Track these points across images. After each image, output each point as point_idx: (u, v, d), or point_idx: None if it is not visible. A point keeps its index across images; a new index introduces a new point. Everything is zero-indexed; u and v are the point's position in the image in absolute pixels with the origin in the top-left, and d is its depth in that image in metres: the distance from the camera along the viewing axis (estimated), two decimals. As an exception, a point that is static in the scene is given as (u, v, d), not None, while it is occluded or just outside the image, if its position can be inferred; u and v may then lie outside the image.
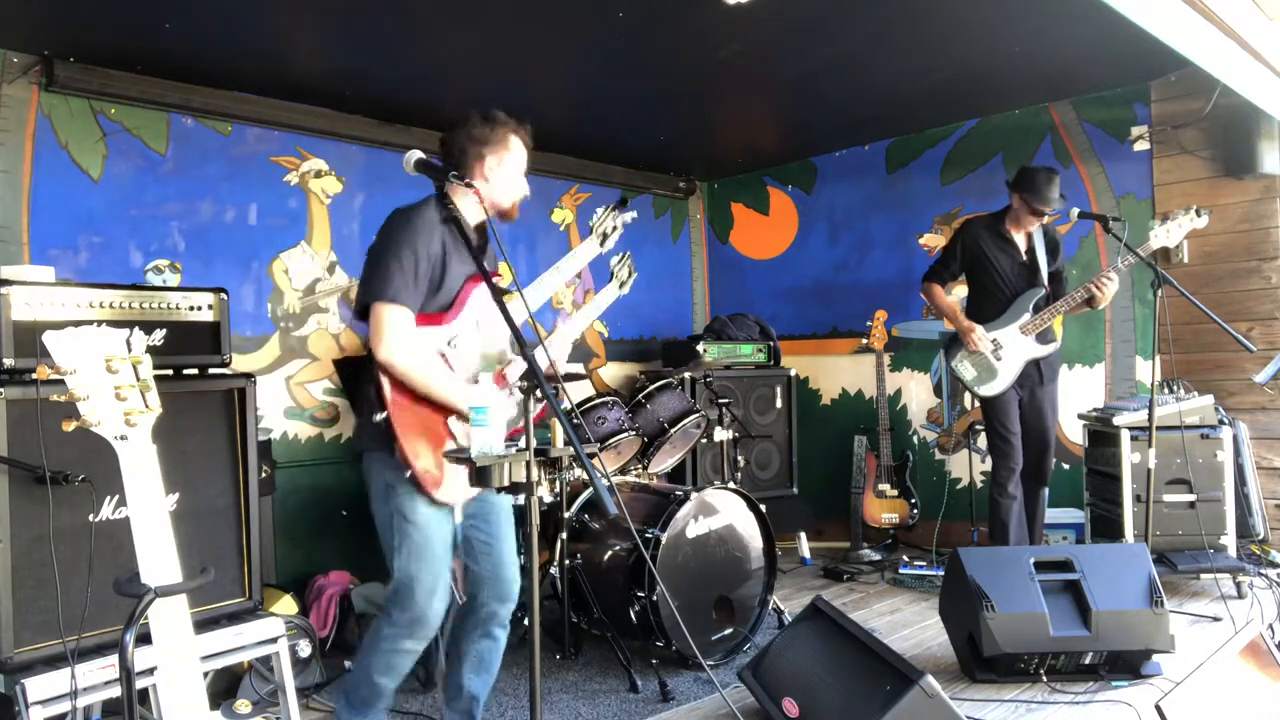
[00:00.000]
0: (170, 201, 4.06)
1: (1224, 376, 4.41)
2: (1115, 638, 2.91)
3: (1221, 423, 4.00)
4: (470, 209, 2.43)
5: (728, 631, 3.50)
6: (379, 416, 2.24)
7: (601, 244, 2.65)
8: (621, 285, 2.84)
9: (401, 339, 2.23)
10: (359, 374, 2.49)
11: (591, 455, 3.55)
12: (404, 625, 2.32)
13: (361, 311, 2.32)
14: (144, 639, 1.54)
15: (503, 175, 2.44)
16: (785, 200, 6.27)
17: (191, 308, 2.90)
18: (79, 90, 3.75)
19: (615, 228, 2.68)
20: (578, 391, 4.25)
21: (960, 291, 4.49)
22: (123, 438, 1.61)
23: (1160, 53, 3.38)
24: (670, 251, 6.48)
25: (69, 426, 1.58)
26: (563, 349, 2.62)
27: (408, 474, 2.25)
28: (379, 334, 2.23)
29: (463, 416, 2.32)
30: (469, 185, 2.28)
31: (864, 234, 5.86)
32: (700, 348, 5.43)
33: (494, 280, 2.47)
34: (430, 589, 2.30)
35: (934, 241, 5.49)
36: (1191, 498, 3.91)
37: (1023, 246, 4.19)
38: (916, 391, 5.59)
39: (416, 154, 2.29)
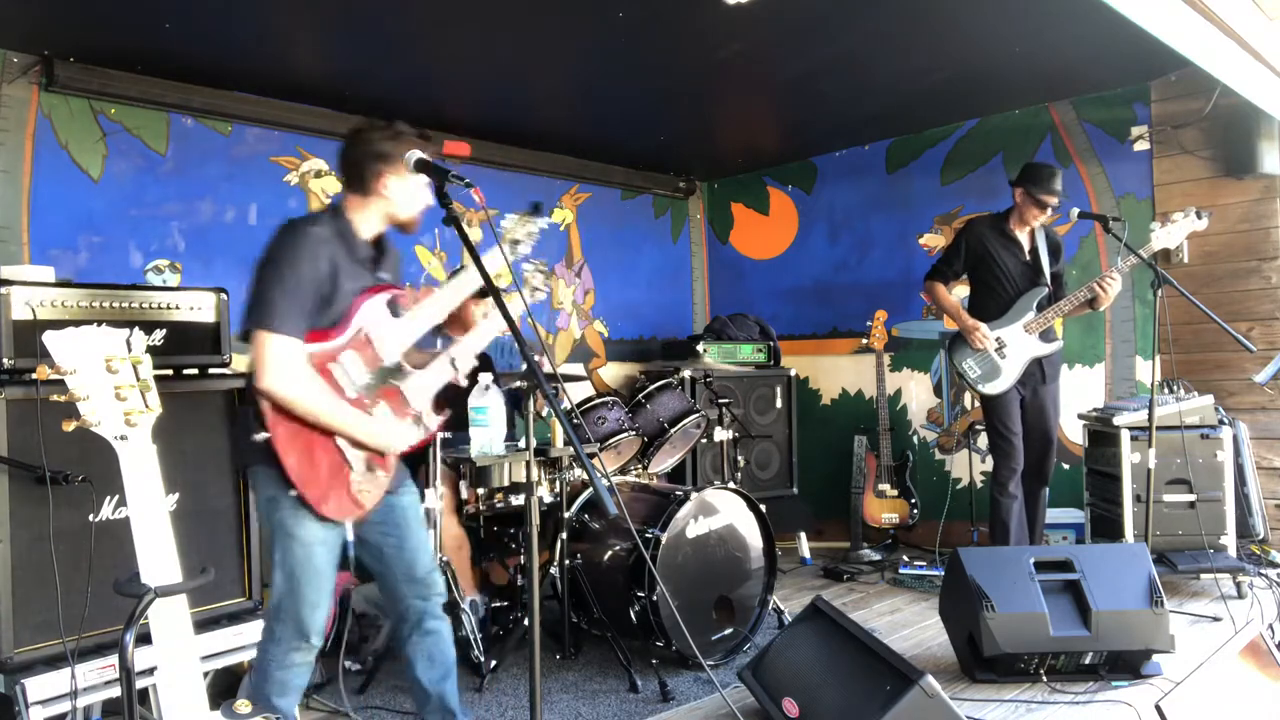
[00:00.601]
0: (170, 201, 4.06)
1: (1224, 376, 4.41)
2: (1115, 638, 2.91)
3: (1221, 423, 4.00)
4: (367, 220, 2.36)
5: (728, 631, 3.50)
6: (259, 437, 2.16)
7: (512, 251, 2.50)
8: (533, 293, 2.66)
9: (284, 370, 2.13)
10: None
11: (591, 455, 3.55)
12: (288, 639, 2.26)
13: (244, 335, 2.21)
14: (144, 639, 1.54)
15: (403, 190, 2.34)
16: (785, 200, 6.27)
17: (191, 308, 2.90)
18: (79, 90, 3.75)
19: (531, 233, 2.53)
20: (577, 392, 4.24)
21: (961, 291, 4.49)
22: (123, 438, 1.61)
23: (1160, 53, 3.38)
24: (670, 251, 6.48)
25: (69, 426, 1.58)
26: (444, 371, 2.48)
27: (292, 493, 2.18)
28: (260, 364, 2.13)
29: (355, 443, 2.27)
30: (373, 196, 2.28)
31: (864, 234, 5.86)
32: (700, 348, 5.43)
33: (395, 295, 2.39)
34: (312, 603, 2.25)
35: (934, 241, 5.49)
36: (1191, 498, 3.91)
37: (1026, 246, 4.19)
38: (916, 391, 5.59)
39: (417, 154, 2.28)
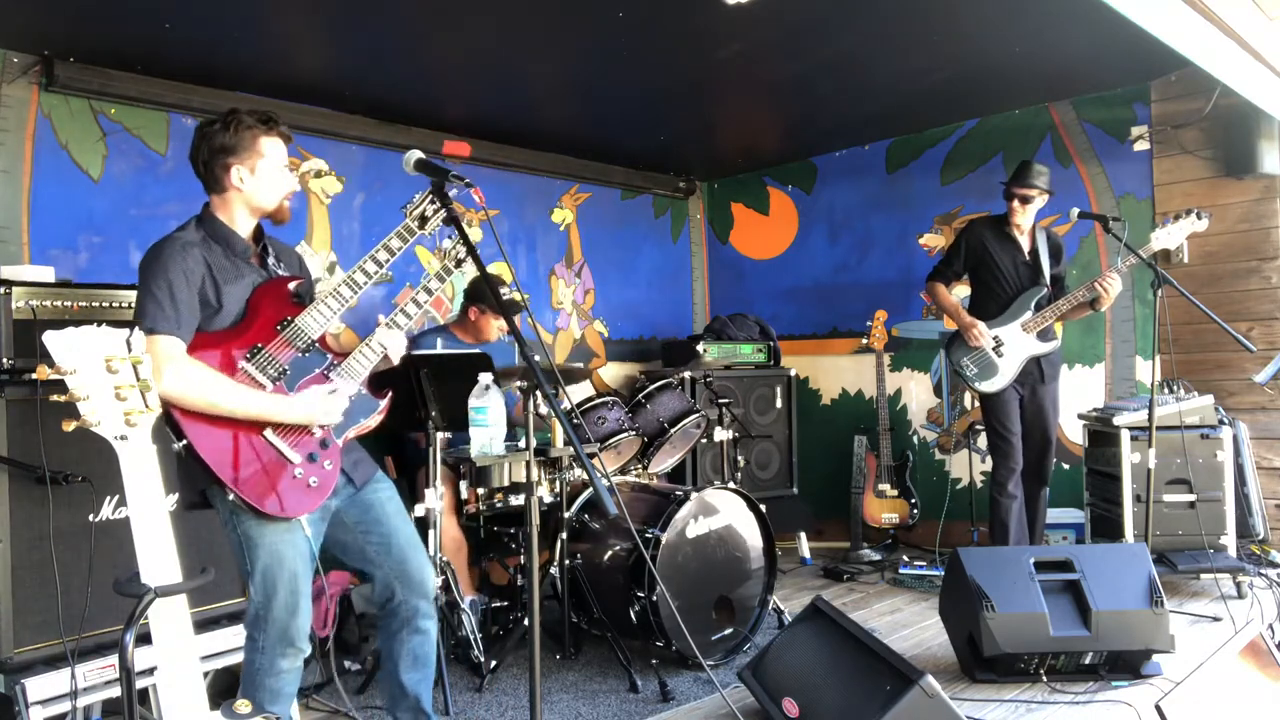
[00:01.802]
0: (170, 201, 4.06)
1: (1224, 376, 4.41)
2: (1115, 638, 2.91)
3: (1221, 423, 4.00)
4: (234, 217, 2.32)
5: (728, 631, 3.50)
6: (176, 446, 2.11)
7: (420, 226, 2.40)
8: (458, 265, 2.53)
9: (169, 367, 2.06)
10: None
11: (591, 455, 3.55)
12: (272, 646, 2.23)
13: None
14: (144, 639, 1.54)
15: (257, 183, 2.30)
16: (785, 200, 6.27)
17: (191, 308, 2.89)
18: (79, 90, 3.75)
19: (437, 209, 2.39)
20: (577, 392, 4.24)
21: (962, 291, 4.49)
22: (123, 438, 1.61)
23: (1160, 53, 3.38)
24: (670, 251, 6.48)
25: (69, 426, 1.58)
26: (373, 353, 2.41)
27: (230, 496, 2.13)
28: (152, 369, 2.03)
29: (278, 427, 2.21)
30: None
31: (864, 234, 5.86)
32: (700, 348, 5.43)
33: (298, 284, 2.33)
34: (290, 606, 2.21)
35: (934, 241, 5.49)
36: (1191, 498, 3.91)
37: (1026, 247, 4.20)
38: (916, 391, 5.59)
39: (416, 154, 2.28)
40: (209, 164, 2.28)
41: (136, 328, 2.03)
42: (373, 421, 2.40)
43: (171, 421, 2.10)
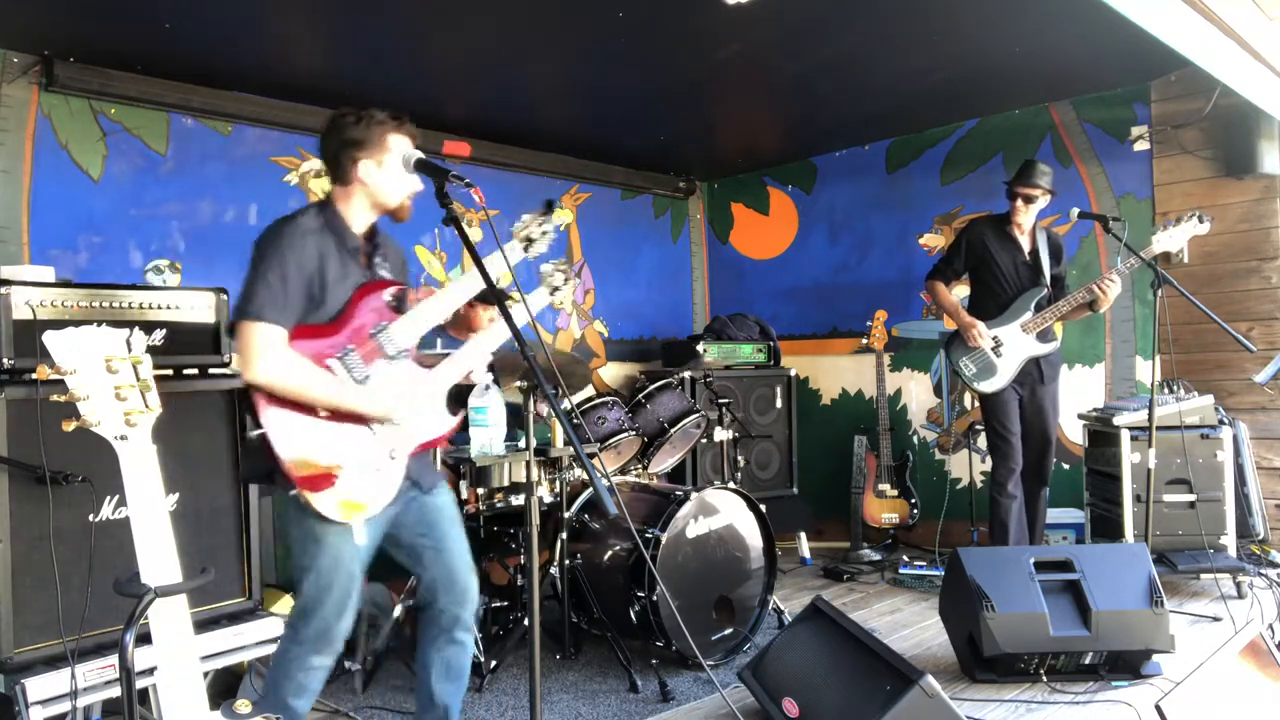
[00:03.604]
0: (170, 201, 4.06)
1: (1224, 376, 4.41)
2: (1115, 638, 2.91)
3: (1221, 423, 4.00)
4: (354, 211, 2.32)
5: (728, 631, 3.50)
6: (254, 433, 2.13)
7: (525, 250, 2.44)
8: (553, 292, 2.62)
9: (269, 357, 2.09)
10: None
11: (591, 455, 3.55)
12: (310, 642, 2.23)
13: (229, 330, 2.22)
14: (144, 639, 1.54)
15: (382, 178, 2.29)
16: (785, 200, 6.27)
17: (191, 308, 2.90)
18: (79, 90, 3.75)
19: (545, 233, 2.46)
20: (577, 393, 4.24)
21: (962, 291, 4.49)
22: (123, 438, 1.61)
23: (1160, 53, 3.38)
24: (670, 251, 6.48)
25: (69, 426, 1.58)
26: (469, 362, 2.48)
27: (293, 492, 2.14)
28: (245, 354, 2.10)
29: (358, 420, 2.22)
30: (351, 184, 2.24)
31: (864, 234, 5.86)
32: (700, 348, 5.43)
33: (397, 290, 2.34)
34: (339, 608, 2.22)
35: (934, 241, 5.49)
36: (1191, 498, 3.91)
37: (1026, 247, 4.20)
38: (916, 391, 5.59)
39: (417, 154, 2.28)
40: (337, 155, 2.29)
41: (235, 308, 2.13)
42: (444, 434, 2.41)
43: (252, 408, 2.13)
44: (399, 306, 2.35)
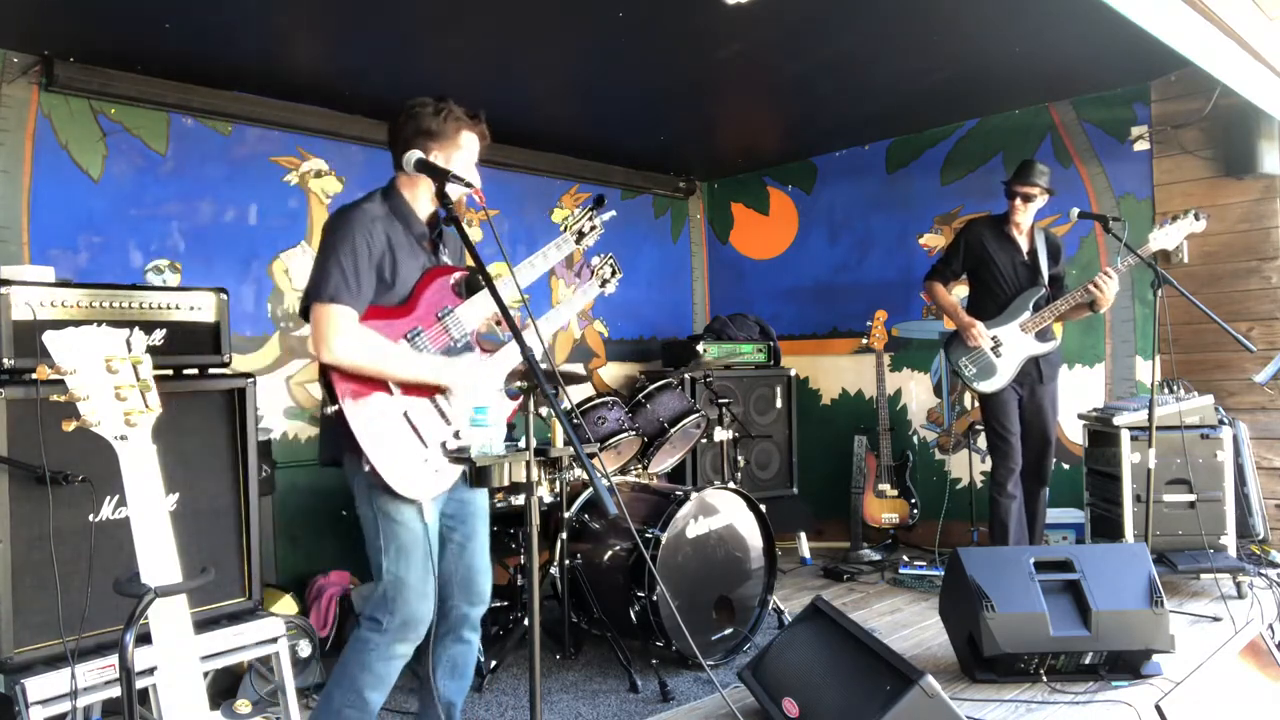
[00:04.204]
0: (170, 201, 4.06)
1: (1224, 376, 4.41)
2: (1115, 638, 2.91)
3: (1221, 423, 4.00)
4: (422, 201, 2.38)
5: (728, 631, 3.50)
6: (330, 409, 2.18)
7: (578, 241, 2.57)
8: (604, 284, 2.74)
9: (343, 336, 2.16)
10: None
11: (591, 455, 3.55)
12: (395, 630, 2.24)
13: (303, 313, 2.25)
14: (144, 639, 1.54)
15: (450, 168, 2.31)
16: (785, 200, 6.27)
17: (191, 308, 2.90)
18: (79, 90, 3.75)
19: (594, 226, 2.59)
20: (577, 393, 4.24)
21: (961, 291, 4.49)
22: (123, 438, 1.61)
23: (1160, 53, 3.38)
24: (670, 251, 6.48)
25: (69, 426, 1.58)
26: (538, 340, 2.56)
27: (366, 468, 2.18)
28: (319, 336, 2.16)
29: (436, 390, 2.28)
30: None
31: (864, 234, 5.86)
32: (700, 348, 5.43)
33: (461, 275, 2.40)
34: (421, 590, 2.24)
35: (934, 241, 5.49)
36: (1191, 498, 3.91)
37: (1025, 247, 4.20)
38: (916, 391, 5.59)
39: (417, 153, 2.29)
40: (410, 143, 2.32)
41: (308, 292, 2.18)
42: (502, 421, 2.44)
43: (329, 386, 2.19)
44: (463, 291, 2.40)
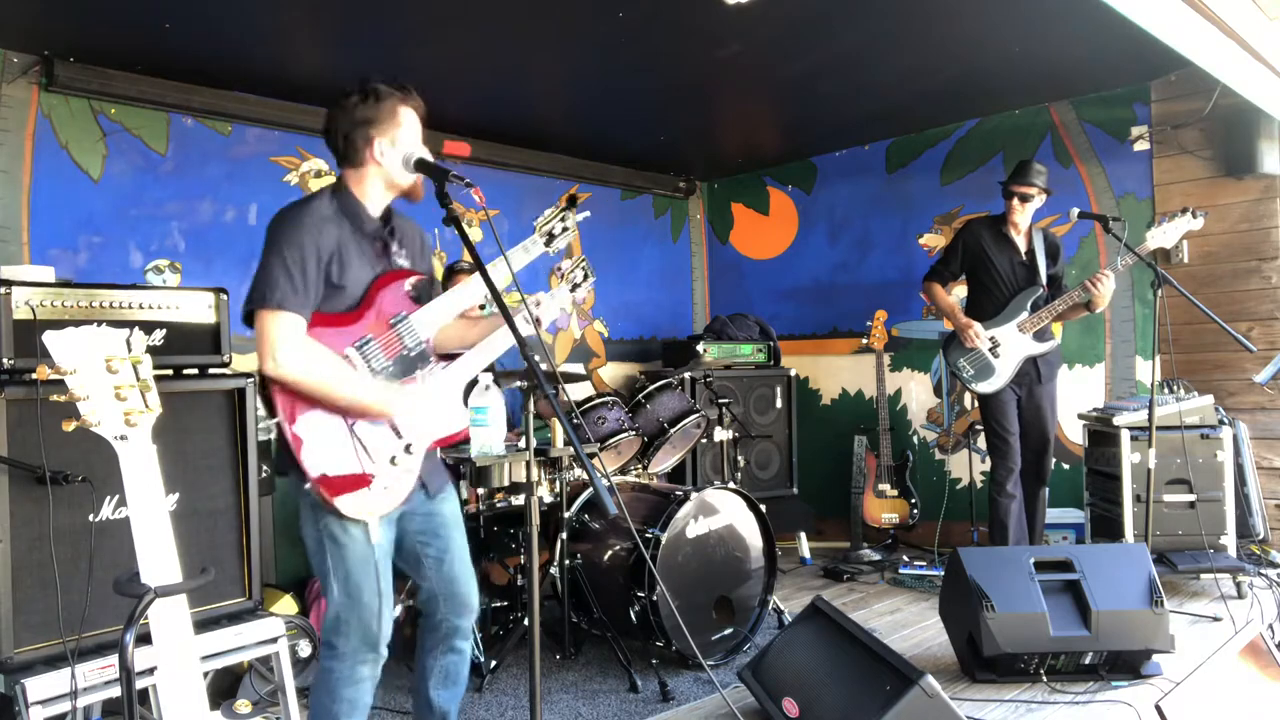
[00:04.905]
0: (170, 201, 4.06)
1: (1224, 376, 4.41)
2: (1115, 638, 2.91)
3: (1221, 423, 4.00)
4: (369, 194, 2.24)
5: (728, 631, 3.50)
6: (268, 423, 2.11)
7: (547, 244, 2.40)
8: (574, 289, 2.57)
9: (288, 348, 2.02)
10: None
11: (591, 455, 3.55)
12: (352, 654, 2.17)
13: (247, 318, 2.11)
14: (144, 639, 1.54)
15: (398, 154, 2.21)
16: (785, 200, 6.28)
17: (191, 308, 2.90)
18: (79, 90, 3.75)
19: (566, 228, 2.43)
20: (577, 392, 4.24)
21: (960, 291, 4.49)
22: (123, 438, 1.60)
23: (1160, 53, 3.38)
24: (670, 251, 6.48)
25: (69, 426, 1.58)
26: (486, 357, 2.40)
27: (307, 486, 2.07)
28: (263, 344, 2.03)
29: (368, 425, 2.16)
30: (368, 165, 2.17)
31: (864, 234, 5.86)
32: (700, 348, 5.43)
33: (418, 279, 2.27)
34: (373, 609, 2.15)
35: (934, 241, 5.49)
36: (1191, 498, 3.91)
37: (1023, 247, 4.20)
38: (916, 391, 5.59)
39: (416, 153, 2.26)
40: (349, 136, 2.21)
41: (251, 296, 2.04)
42: (461, 431, 2.34)
43: (269, 399, 2.07)
44: (419, 297, 2.29)
